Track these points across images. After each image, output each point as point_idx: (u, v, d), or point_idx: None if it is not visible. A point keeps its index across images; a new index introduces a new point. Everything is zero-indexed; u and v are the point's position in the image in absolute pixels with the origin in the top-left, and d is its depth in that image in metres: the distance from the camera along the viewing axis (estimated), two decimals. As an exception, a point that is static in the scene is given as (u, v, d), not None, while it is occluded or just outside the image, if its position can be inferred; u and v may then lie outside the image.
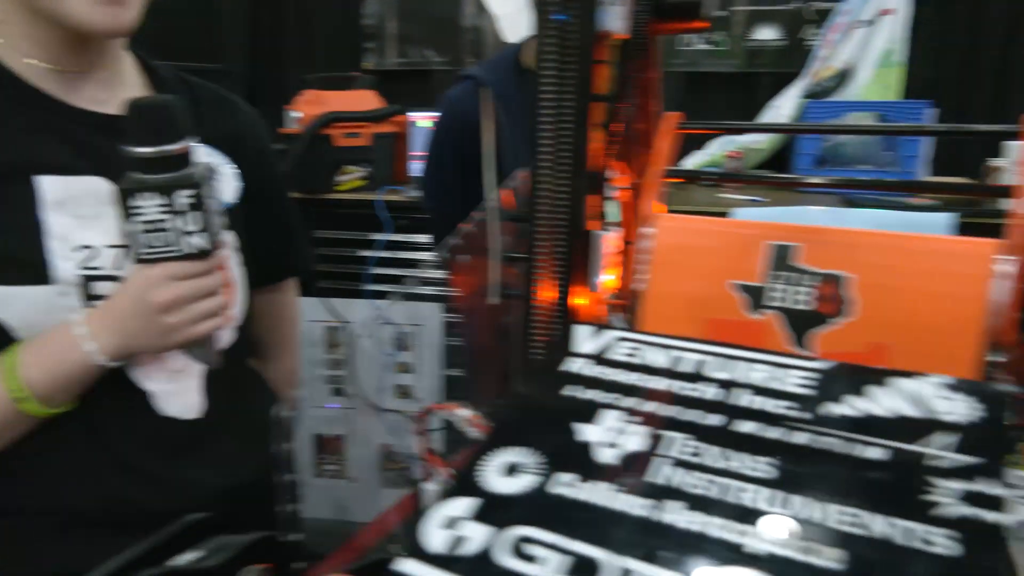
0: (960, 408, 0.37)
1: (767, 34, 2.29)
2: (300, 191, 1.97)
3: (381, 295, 1.97)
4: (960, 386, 0.38)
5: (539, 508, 0.36)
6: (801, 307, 0.59)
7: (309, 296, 2.10)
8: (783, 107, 2.21)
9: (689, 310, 0.63)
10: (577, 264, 0.78)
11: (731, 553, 0.33)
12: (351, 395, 2.06)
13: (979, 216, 1.79)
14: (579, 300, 0.78)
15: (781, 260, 0.60)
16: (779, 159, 2.22)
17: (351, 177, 2.00)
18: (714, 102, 2.35)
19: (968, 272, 0.55)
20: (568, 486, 0.37)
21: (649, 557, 0.33)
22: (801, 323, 0.59)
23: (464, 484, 0.38)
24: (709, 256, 0.63)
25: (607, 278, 0.77)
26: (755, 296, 0.61)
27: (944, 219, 0.83)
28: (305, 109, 1.93)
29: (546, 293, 0.75)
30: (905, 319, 0.56)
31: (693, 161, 2.23)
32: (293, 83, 2.11)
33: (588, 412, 0.41)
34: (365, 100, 2.00)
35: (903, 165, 2.02)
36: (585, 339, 0.46)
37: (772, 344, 0.59)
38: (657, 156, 0.69)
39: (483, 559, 0.34)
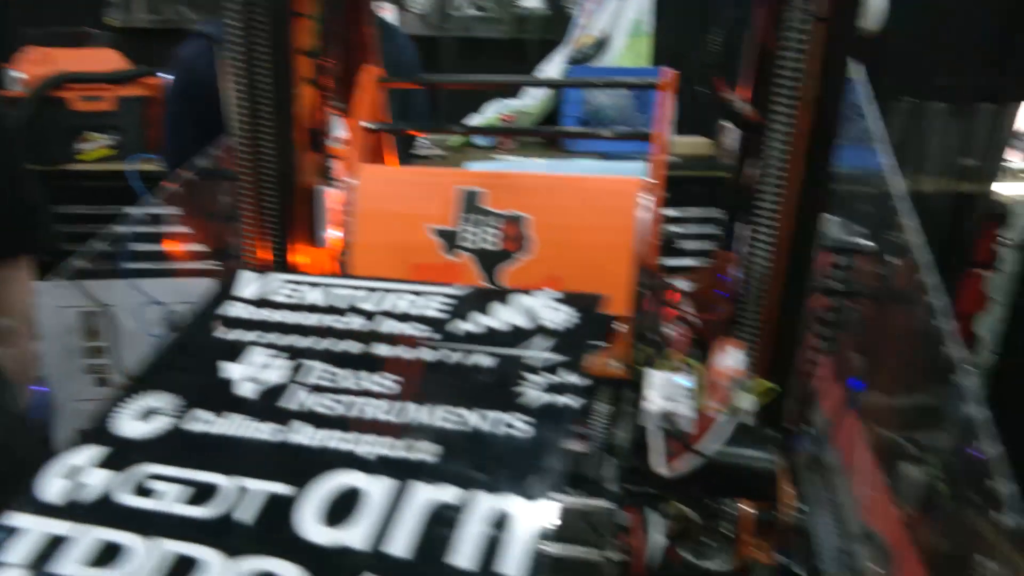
0: (561, 317, 0.43)
1: (532, 2, 2.39)
2: (32, 162, 1.74)
3: (142, 273, 1.82)
4: (565, 298, 0.45)
5: (170, 446, 0.37)
6: (489, 247, 0.65)
7: (59, 279, 1.88)
8: (549, 72, 2.33)
9: (395, 256, 0.66)
10: (298, 221, 0.78)
11: (345, 460, 0.36)
12: (117, 384, 1.90)
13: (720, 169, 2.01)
14: (300, 257, 0.78)
15: (470, 204, 0.65)
16: (551, 121, 2.35)
17: (96, 145, 1.80)
18: (487, 67, 2.42)
19: (618, 207, 0.63)
20: (203, 422, 0.38)
21: (269, 474, 0.35)
22: (490, 261, 0.65)
23: (93, 433, 0.37)
24: (409, 204, 0.67)
25: (336, 234, 0.78)
26: (450, 239, 0.65)
27: (641, 167, 0.94)
28: (29, 69, 1.70)
29: (262, 252, 0.74)
30: (573, 252, 0.63)
31: (477, 120, 2.29)
32: (14, 39, 1.85)
33: (235, 351, 0.42)
34: (105, 59, 1.80)
35: (653, 125, 2.23)
36: (248, 284, 0.47)
37: (468, 282, 0.64)
38: (358, 109, 0.71)
39: (101, 502, 0.34)
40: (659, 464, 0.54)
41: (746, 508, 0.71)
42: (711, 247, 1.16)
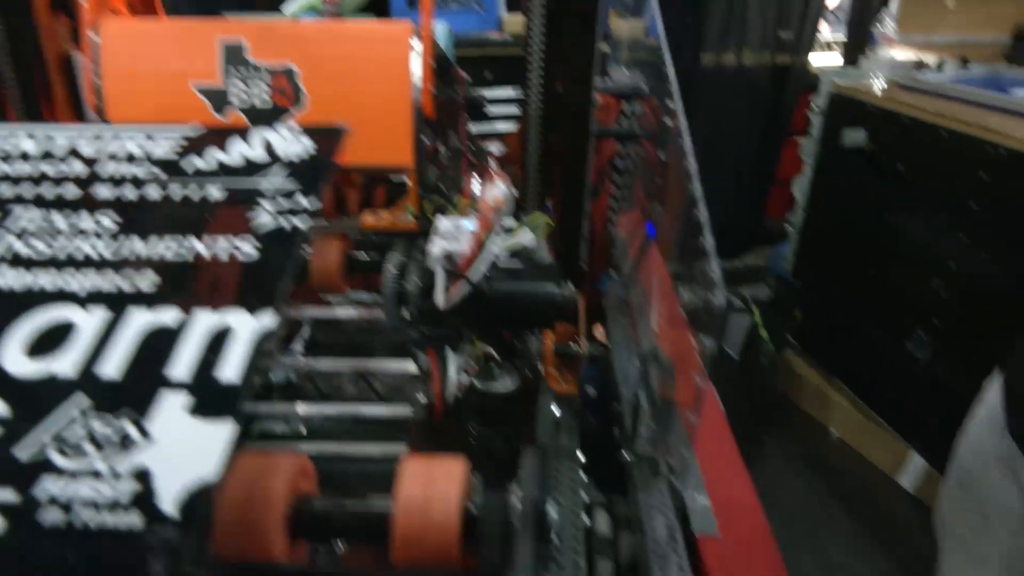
0: (299, 149, 0.43)
1: None
2: None
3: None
4: (306, 130, 0.44)
5: None
6: (260, 104, 0.61)
7: None
8: (372, -54, 2.18)
9: (157, 117, 0.62)
10: (56, 93, 0.71)
11: (54, 297, 0.34)
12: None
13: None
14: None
15: (234, 57, 0.61)
16: (382, 4, 2.22)
17: None
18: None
19: (390, 55, 0.61)
20: None
21: (-35, 320, 0.33)
22: (263, 119, 0.62)
23: None
24: (166, 61, 0.61)
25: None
26: (217, 98, 0.61)
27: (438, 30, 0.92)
28: None
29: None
30: (349, 103, 0.62)
31: (295, 6, 2.12)
32: None
33: (-73, 206, 0.38)
34: None
35: (485, 4, 2.18)
36: (-55, 139, 0.42)
37: (242, 143, 0.61)
38: (92, -45, 0.63)
39: None
40: (439, 298, 0.56)
41: (547, 340, 0.76)
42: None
